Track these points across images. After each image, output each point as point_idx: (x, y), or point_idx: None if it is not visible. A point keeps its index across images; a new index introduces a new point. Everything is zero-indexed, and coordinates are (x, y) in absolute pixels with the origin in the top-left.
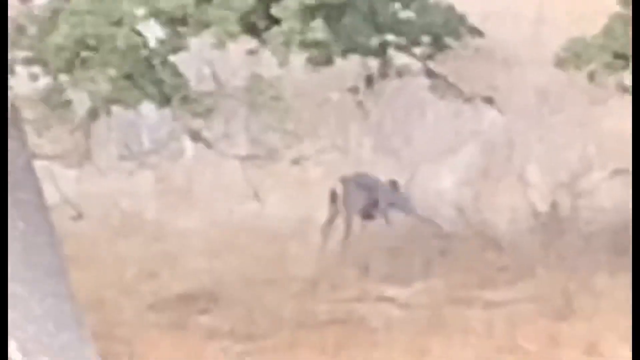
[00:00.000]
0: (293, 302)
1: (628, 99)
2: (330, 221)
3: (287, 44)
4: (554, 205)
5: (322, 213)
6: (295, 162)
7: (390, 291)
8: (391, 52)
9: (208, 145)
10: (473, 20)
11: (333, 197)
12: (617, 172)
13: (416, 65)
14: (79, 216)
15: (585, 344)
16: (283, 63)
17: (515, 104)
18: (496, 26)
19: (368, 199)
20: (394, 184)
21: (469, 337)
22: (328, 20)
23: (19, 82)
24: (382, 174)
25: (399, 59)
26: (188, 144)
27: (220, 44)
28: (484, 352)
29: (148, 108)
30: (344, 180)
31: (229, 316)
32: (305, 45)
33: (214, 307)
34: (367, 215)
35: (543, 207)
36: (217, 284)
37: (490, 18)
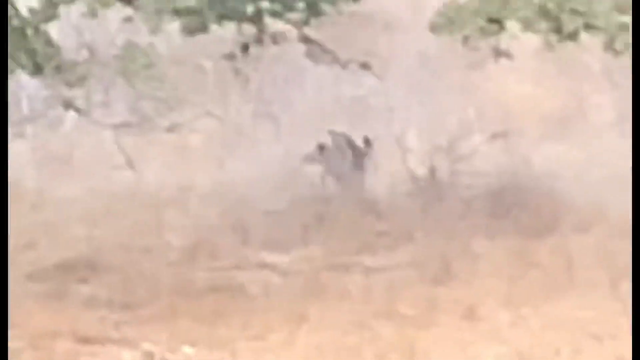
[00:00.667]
0: (171, 270)
1: (504, 63)
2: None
3: (159, 11)
4: (432, 170)
5: (202, 180)
6: (170, 129)
7: (270, 258)
8: (267, 18)
9: (82, 113)
10: None
11: (320, 149)
12: (495, 136)
13: (292, 31)
14: None
15: (464, 308)
16: (155, 30)
17: (396, 69)
18: None
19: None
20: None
21: (347, 303)
22: None
23: None
24: (264, 141)
25: (275, 25)
26: (63, 113)
27: (92, 12)
28: (362, 317)
29: (22, 77)
30: (333, 134)
31: (107, 285)
32: (177, 12)
33: (93, 275)
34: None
35: (422, 171)
36: (96, 253)
37: None
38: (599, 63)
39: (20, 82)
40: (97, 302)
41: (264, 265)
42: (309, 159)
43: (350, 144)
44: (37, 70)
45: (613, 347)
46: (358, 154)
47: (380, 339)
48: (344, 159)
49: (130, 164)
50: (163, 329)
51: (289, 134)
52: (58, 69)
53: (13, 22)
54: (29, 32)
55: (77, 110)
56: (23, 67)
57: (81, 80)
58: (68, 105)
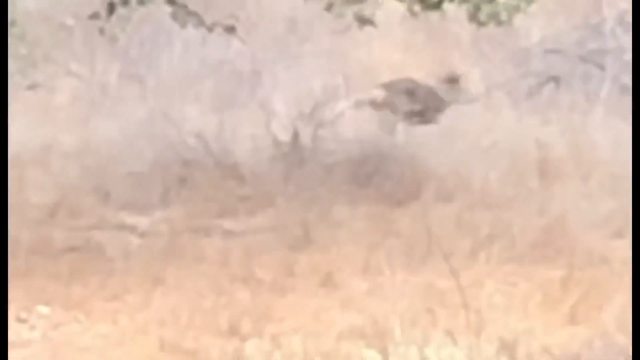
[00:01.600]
0: (30, 228)
1: (370, 30)
2: None
3: None
4: (295, 135)
5: (67, 139)
6: (32, 87)
7: (130, 219)
8: None
9: None
10: None
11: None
12: (359, 103)
13: None
14: None
15: (321, 274)
16: None
17: (263, 33)
18: None
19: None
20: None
21: (204, 267)
22: None
23: None
24: (129, 102)
25: None
26: None
27: None
28: (218, 281)
29: None
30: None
31: None
32: None
33: None
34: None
35: (285, 136)
36: None
37: None
38: (467, 33)
39: None
40: None
41: (123, 227)
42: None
43: None
44: None
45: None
46: None
47: (235, 304)
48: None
49: None
50: (19, 287)
51: (154, 96)
52: None
53: None
54: None
55: None
56: None
57: None
58: None
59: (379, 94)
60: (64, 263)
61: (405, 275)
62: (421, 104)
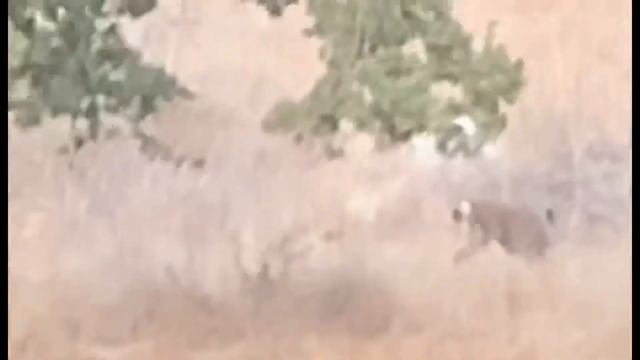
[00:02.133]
0: None
1: (337, 162)
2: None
3: None
4: (264, 268)
5: (34, 273)
6: None
7: (101, 353)
8: (102, 113)
9: None
10: (194, 80)
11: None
12: (330, 235)
13: (127, 126)
14: None
15: None
16: None
17: (232, 165)
18: (217, 86)
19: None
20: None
21: None
22: (36, 80)
23: None
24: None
25: (111, 119)
26: None
27: None
28: None
29: None
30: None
31: None
32: (10, 105)
33: None
34: None
35: (254, 269)
36: None
37: (211, 78)
38: (433, 164)
39: None
40: None
41: None
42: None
43: None
44: None
45: None
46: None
47: None
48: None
49: None
50: None
51: (123, 229)
52: None
53: None
54: None
55: None
56: None
57: None
58: None
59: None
60: None
61: None
62: None
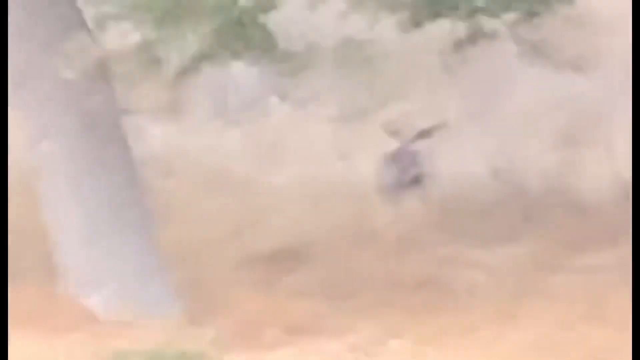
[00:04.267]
0: (380, 262)
1: None
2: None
3: (377, 6)
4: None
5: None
6: (383, 123)
7: (475, 255)
8: (480, 17)
9: (297, 104)
10: None
11: (414, 156)
12: None
13: (505, 31)
14: (168, 172)
15: None
16: (371, 25)
17: (605, 73)
18: None
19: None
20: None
21: (554, 304)
22: None
23: (110, 39)
24: (468, 138)
25: (488, 24)
26: (277, 103)
27: (311, 5)
28: (569, 319)
29: (238, 66)
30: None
31: (316, 276)
32: (394, 8)
33: (302, 266)
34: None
35: (629, 175)
36: (304, 243)
37: None
38: None
39: (231, 72)
40: (306, 292)
41: (471, 263)
42: None
43: None
44: (254, 60)
45: None
46: None
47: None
48: None
49: (343, 156)
50: (370, 321)
51: (497, 133)
52: (274, 59)
53: (232, 11)
54: (246, 21)
55: (292, 101)
56: (240, 56)
57: (296, 72)
58: (283, 96)
59: None
60: (415, 297)
61: None
62: None
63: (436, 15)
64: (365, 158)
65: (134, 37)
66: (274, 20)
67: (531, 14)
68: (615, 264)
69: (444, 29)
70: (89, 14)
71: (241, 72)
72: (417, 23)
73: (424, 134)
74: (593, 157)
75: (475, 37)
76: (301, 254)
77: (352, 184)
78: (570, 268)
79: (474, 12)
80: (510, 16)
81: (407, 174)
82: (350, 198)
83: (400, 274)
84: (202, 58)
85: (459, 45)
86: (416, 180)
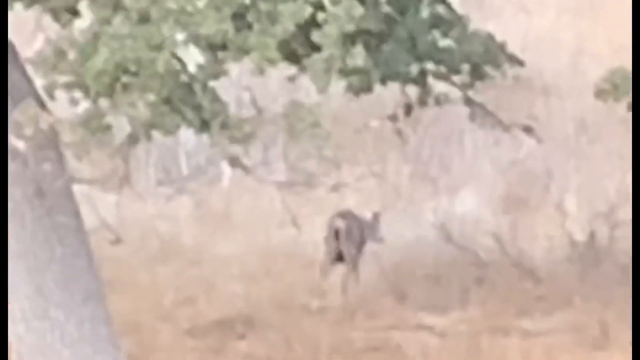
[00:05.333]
0: (329, 329)
1: None
2: (333, 259)
3: (327, 70)
4: (591, 235)
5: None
6: (334, 188)
7: (428, 319)
8: (430, 80)
9: (247, 171)
10: (512, 49)
11: (337, 233)
12: None
13: (455, 93)
14: (117, 241)
15: None
16: (323, 90)
17: (554, 133)
18: (535, 55)
19: (359, 237)
20: (376, 217)
21: None
22: (367, 47)
23: (59, 107)
24: (420, 201)
25: (438, 87)
26: (226, 169)
27: (260, 70)
28: None
29: (187, 133)
30: (344, 216)
31: (265, 342)
32: (345, 72)
33: (251, 332)
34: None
35: (580, 237)
36: (254, 310)
37: (529, 47)
38: None
39: (179, 138)
40: (256, 359)
41: (422, 327)
42: None
43: None
44: (203, 126)
45: None
46: None
47: None
48: None
49: (293, 222)
50: None
51: (447, 196)
52: (224, 125)
53: (181, 77)
54: (196, 88)
55: (242, 167)
56: (190, 123)
57: (247, 138)
58: (233, 162)
59: None
60: None
61: None
62: None
63: (386, 78)
64: (316, 224)
65: (84, 105)
66: (223, 86)
67: (481, 76)
68: (569, 326)
69: (394, 93)
70: (38, 82)
71: (191, 138)
72: (367, 87)
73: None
74: (544, 219)
75: (425, 99)
76: (251, 320)
77: (301, 250)
78: (524, 331)
79: (424, 75)
80: (461, 79)
81: (355, 240)
82: (301, 264)
83: (351, 340)
84: (152, 125)
85: (409, 108)
86: (364, 246)
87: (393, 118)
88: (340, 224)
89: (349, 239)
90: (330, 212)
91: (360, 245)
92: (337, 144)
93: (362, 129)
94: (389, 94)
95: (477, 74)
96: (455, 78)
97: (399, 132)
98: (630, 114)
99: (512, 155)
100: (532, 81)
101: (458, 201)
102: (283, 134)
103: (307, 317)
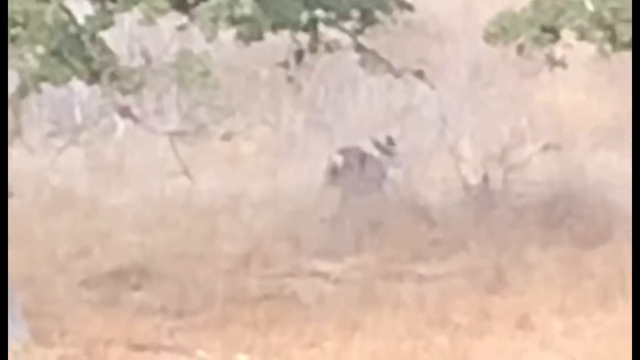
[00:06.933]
0: (225, 278)
1: (558, 72)
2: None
3: (215, 19)
4: (485, 179)
5: (255, 188)
6: (226, 137)
7: (323, 266)
8: (321, 27)
9: (137, 121)
10: None
11: (334, 170)
12: (548, 146)
13: (346, 40)
14: (10, 194)
15: (517, 316)
16: (211, 38)
17: (448, 78)
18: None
19: (362, 172)
20: (390, 141)
21: (400, 312)
22: None
23: None
24: (315, 148)
25: (329, 34)
26: (119, 120)
27: (148, 20)
28: (416, 325)
29: (79, 85)
30: (344, 152)
31: (160, 292)
32: (233, 20)
33: (146, 283)
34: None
35: (475, 180)
36: (149, 260)
37: None
38: None
39: (73, 90)
40: (151, 309)
41: (317, 274)
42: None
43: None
44: (93, 77)
45: None
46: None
47: (434, 347)
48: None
49: (185, 172)
50: (217, 336)
51: (341, 142)
52: (113, 76)
53: (69, 29)
54: (85, 39)
55: (133, 117)
56: (79, 74)
57: (137, 88)
58: (124, 113)
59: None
60: (260, 311)
61: (601, 316)
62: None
63: (276, 26)
64: (208, 173)
65: None
66: (114, 37)
67: (371, 22)
68: (463, 270)
69: (285, 40)
70: None
71: (84, 89)
72: (257, 35)
73: None
74: (438, 163)
75: (316, 47)
76: (146, 271)
77: (195, 200)
78: (418, 276)
79: (314, 22)
80: (350, 25)
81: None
82: (195, 214)
83: (246, 289)
84: (41, 77)
85: (300, 55)
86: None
87: (284, 65)
88: (338, 159)
89: (349, 174)
90: (223, 161)
91: (375, 178)
92: (228, 92)
93: (254, 77)
94: (280, 42)
95: (367, 19)
96: (346, 24)
97: (290, 79)
98: (521, 58)
99: (406, 101)
100: (425, 26)
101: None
102: (175, 84)
103: (201, 266)
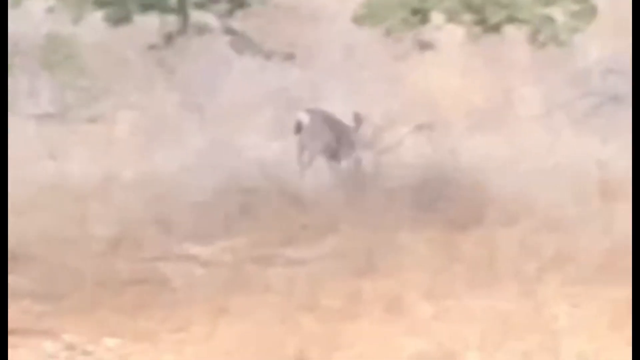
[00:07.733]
0: (95, 261)
1: (428, 54)
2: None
3: (80, 1)
4: (356, 161)
5: (126, 171)
6: (93, 120)
7: (193, 249)
8: (191, 9)
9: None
10: None
11: (298, 128)
12: (420, 128)
13: (216, 22)
14: None
15: (387, 300)
16: (77, 20)
17: (321, 60)
18: None
19: (332, 137)
20: (358, 119)
21: (270, 296)
22: None
23: None
24: (187, 130)
25: (200, 16)
26: None
27: (15, 2)
28: (285, 310)
29: None
30: (311, 112)
31: (29, 276)
32: (100, 2)
33: (15, 266)
34: (333, 156)
35: (344, 163)
36: (18, 244)
37: None
38: (525, 56)
39: None
40: (19, 293)
41: (187, 257)
42: None
43: None
44: None
45: (535, 340)
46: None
47: (302, 331)
48: None
49: (53, 155)
50: (85, 320)
51: (214, 125)
52: None
53: None
54: None
55: None
56: None
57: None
58: None
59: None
60: (129, 295)
61: (470, 299)
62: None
63: (145, 8)
64: (79, 156)
65: None
66: None
67: (240, 4)
68: (334, 253)
69: (153, 22)
70: None
71: None
72: (125, 17)
73: None
74: None
75: (185, 29)
76: (15, 254)
77: (65, 183)
78: (288, 259)
79: (183, 4)
80: (220, 7)
81: (324, 138)
82: (64, 197)
83: (113, 272)
84: None
85: (169, 38)
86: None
87: (154, 47)
88: (304, 117)
89: (313, 134)
90: (93, 144)
91: (334, 146)
92: (97, 75)
93: (125, 59)
94: (150, 24)
95: (236, 2)
96: (215, 6)
97: (161, 62)
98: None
99: (279, 83)
100: (298, 8)
101: (226, 130)
102: (40, 66)
103: (71, 249)
